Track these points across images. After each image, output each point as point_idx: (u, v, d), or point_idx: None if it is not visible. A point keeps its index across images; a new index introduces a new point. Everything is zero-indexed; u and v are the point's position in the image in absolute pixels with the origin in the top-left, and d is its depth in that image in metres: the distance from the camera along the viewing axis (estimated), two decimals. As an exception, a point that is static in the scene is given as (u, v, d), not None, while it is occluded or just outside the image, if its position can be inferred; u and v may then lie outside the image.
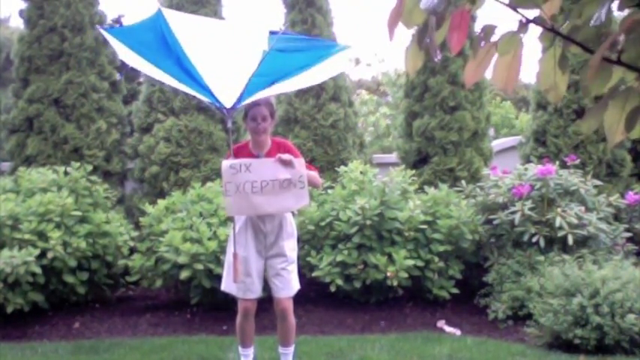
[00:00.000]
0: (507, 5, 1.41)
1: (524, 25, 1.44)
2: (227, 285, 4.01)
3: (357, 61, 15.57)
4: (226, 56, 3.94)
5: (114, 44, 4.08)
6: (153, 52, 3.88)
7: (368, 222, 5.52)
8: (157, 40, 3.89)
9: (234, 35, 4.21)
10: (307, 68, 3.94)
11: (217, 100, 3.82)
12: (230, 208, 3.83)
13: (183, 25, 4.00)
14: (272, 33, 4.10)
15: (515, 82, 1.49)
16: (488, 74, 1.54)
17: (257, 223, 3.93)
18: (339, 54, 4.10)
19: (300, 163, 3.83)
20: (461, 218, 5.68)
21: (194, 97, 4.04)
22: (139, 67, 4.04)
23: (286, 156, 3.80)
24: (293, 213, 4.23)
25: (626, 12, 1.47)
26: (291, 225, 4.03)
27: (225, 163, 3.77)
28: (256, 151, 3.96)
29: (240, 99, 3.80)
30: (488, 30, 1.45)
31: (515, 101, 16.07)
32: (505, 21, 1.53)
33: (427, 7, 1.43)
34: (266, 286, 4.18)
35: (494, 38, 1.46)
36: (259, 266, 3.97)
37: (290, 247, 4.00)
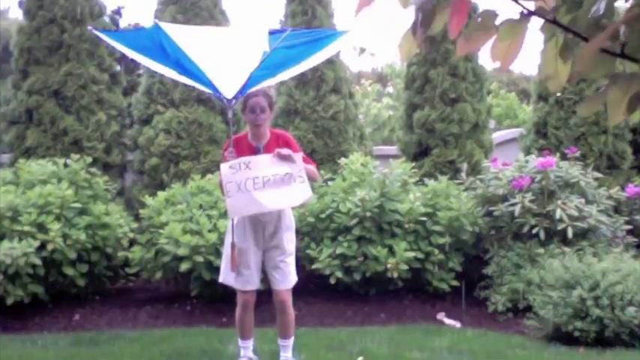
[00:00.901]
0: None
1: (525, 17, 1.43)
2: (225, 277, 4.01)
3: (362, 50, 15.49)
4: (228, 56, 4.00)
5: (110, 42, 4.15)
6: (150, 51, 3.96)
7: (368, 214, 5.52)
8: (154, 45, 3.98)
9: (234, 38, 4.30)
10: (309, 57, 4.06)
11: (218, 91, 3.85)
12: (233, 210, 3.78)
13: (183, 34, 4.13)
14: (272, 33, 4.14)
15: (514, 60, 1.47)
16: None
17: (256, 215, 3.91)
18: (339, 39, 4.23)
19: (298, 157, 3.82)
20: (461, 210, 5.68)
21: (195, 87, 4.08)
22: (137, 59, 4.10)
23: (285, 151, 3.79)
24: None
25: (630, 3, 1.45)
26: (289, 217, 4.02)
27: (224, 165, 3.76)
28: (255, 143, 3.95)
29: (242, 90, 3.83)
30: (486, 15, 1.44)
31: (517, 93, 16.01)
32: (503, 14, 1.51)
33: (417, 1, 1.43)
34: (265, 279, 4.17)
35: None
36: (258, 258, 3.97)
37: (288, 239, 3.99)
